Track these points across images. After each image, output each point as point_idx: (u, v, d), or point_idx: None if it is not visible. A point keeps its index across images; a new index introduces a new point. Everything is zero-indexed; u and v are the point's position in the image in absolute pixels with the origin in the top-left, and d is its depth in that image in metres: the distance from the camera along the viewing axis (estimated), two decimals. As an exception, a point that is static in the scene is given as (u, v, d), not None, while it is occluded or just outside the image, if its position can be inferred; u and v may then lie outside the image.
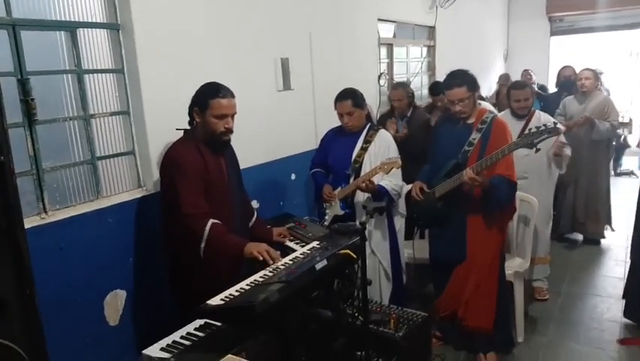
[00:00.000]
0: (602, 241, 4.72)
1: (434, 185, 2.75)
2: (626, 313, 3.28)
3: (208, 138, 2.24)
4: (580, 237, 4.80)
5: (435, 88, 4.67)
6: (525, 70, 6.59)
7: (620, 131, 7.63)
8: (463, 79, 2.64)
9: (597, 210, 4.60)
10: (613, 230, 4.77)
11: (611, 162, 7.40)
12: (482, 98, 5.01)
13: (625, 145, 7.59)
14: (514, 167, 2.67)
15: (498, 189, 2.57)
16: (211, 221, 2.12)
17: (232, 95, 2.24)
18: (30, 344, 1.43)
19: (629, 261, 3.49)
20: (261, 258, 2.03)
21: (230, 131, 2.26)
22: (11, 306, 1.39)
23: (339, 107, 2.94)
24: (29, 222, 1.98)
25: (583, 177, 4.49)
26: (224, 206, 2.28)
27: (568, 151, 3.55)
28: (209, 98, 2.19)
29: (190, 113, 2.27)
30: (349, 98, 2.91)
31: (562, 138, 3.50)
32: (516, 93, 3.53)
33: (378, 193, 2.83)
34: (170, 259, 2.37)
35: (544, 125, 2.44)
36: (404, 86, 4.12)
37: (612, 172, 7.29)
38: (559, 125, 2.56)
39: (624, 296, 3.35)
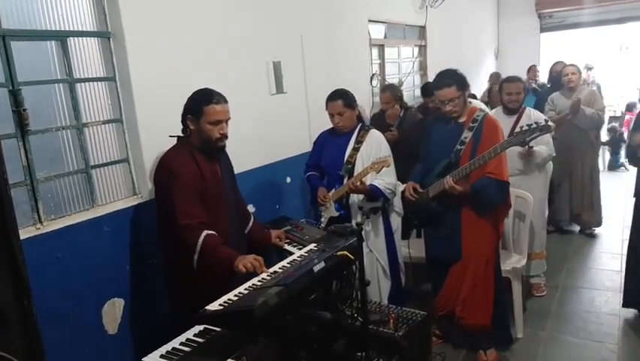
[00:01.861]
0: (598, 234, 4.76)
1: (427, 185, 2.76)
2: (625, 302, 3.29)
3: (203, 144, 2.24)
4: (577, 228, 4.85)
5: (426, 89, 4.68)
6: (533, 65, 6.61)
7: (616, 125, 7.73)
8: (452, 78, 2.65)
9: (592, 200, 4.66)
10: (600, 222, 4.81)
11: (608, 157, 7.49)
12: (474, 97, 5.05)
13: (621, 139, 7.64)
14: (506, 165, 2.67)
15: (482, 192, 2.58)
16: (205, 232, 2.11)
17: (225, 101, 2.24)
18: (29, 355, 1.42)
19: (625, 254, 3.51)
20: (245, 271, 2.01)
21: (225, 136, 2.25)
22: (9, 317, 1.38)
23: (330, 107, 2.96)
24: (25, 233, 1.97)
25: (577, 169, 4.57)
26: (220, 213, 2.28)
27: (540, 155, 3.43)
28: (203, 105, 2.18)
29: (183, 121, 2.26)
30: (340, 98, 2.92)
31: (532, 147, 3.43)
32: (508, 86, 3.56)
33: (372, 193, 2.84)
34: (166, 266, 2.36)
35: (536, 122, 2.45)
36: (392, 88, 4.11)
37: (605, 167, 7.38)
38: (550, 123, 2.57)
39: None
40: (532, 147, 2.51)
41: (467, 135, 2.66)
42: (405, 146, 3.54)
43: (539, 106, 4.63)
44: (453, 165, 2.63)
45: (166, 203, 2.17)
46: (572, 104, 4.29)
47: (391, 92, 4.00)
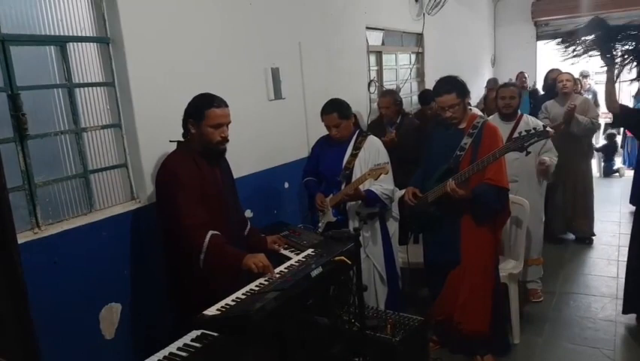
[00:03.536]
0: (594, 240, 4.77)
1: (427, 190, 2.77)
2: (625, 308, 3.28)
3: (204, 148, 2.25)
4: (572, 236, 4.85)
5: (424, 97, 4.71)
6: (520, 72, 6.66)
7: (614, 131, 7.79)
8: (452, 85, 2.67)
9: (586, 209, 4.67)
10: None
11: (602, 163, 7.54)
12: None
13: (615, 146, 7.70)
14: (505, 171, 2.68)
15: (482, 198, 2.59)
16: (210, 232, 2.12)
17: (226, 105, 2.26)
18: (26, 359, 1.42)
19: (621, 260, 3.53)
20: (256, 270, 2.03)
21: (226, 140, 2.27)
22: (6, 322, 1.38)
23: (325, 120, 2.97)
24: (22, 238, 1.96)
25: (570, 177, 4.57)
26: (220, 217, 2.28)
27: (552, 165, 3.57)
28: (204, 109, 2.20)
29: (184, 125, 2.28)
30: (335, 110, 2.93)
31: (542, 158, 3.50)
32: (502, 91, 3.62)
33: (369, 199, 2.85)
34: (168, 271, 2.36)
35: (534, 128, 2.47)
36: (392, 93, 4.15)
37: (601, 173, 7.42)
38: (548, 129, 2.59)
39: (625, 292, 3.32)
40: (529, 152, 2.52)
41: (467, 141, 2.68)
42: (403, 152, 3.56)
43: (535, 112, 4.66)
44: (452, 171, 2.64)
45: (169, 205, 2.18)
46: (565, 111, 4.31)
47: (391, 97, 4.03)
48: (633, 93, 8.56)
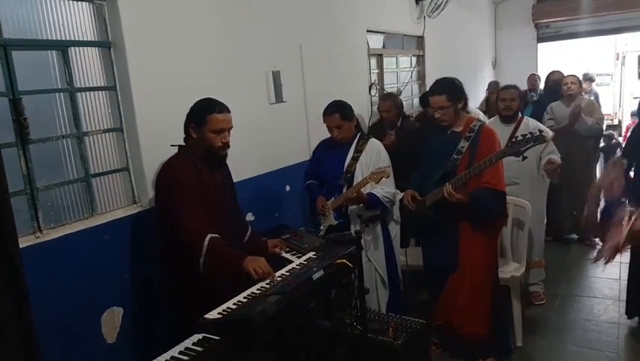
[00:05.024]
0: (596, 242, 4.74)
1: (425, 193, 2.77)
2: (629, 311, 3.28)
3: (205, 153, 2.25)
4: (575, 236, 4.83)
5: (425, 99, 4.71)
6: (532, 74, 6.63)
7: (614, 133, 7.78)
8: (444, 87, 2.66)
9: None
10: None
11: (603, 164, 7.52)
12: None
13: (615, 147, 7.68)
14: (503, 175, 2.68)
15: (480, 201, 2.59)
16: (210, 235, 2.12)
17: (228, 110, 2.26)
18: (27, 364, 1.42)
19: (623, 262, 3.51)
20: (256, 277, 2.03)
21: (227, 145, 2.27)
22: (7, 326, 1.38)
23: (327, 120, 2.97)
24: (24, 242, 1.97)
25: (576, 178, 4.54)
26: (220, 222, 2.28)
27: (558, 160, 3.53)
28: (206, 114, 2.20)
29: (186, 130, 2.28)
30: (337, 111, 2.93)
31: (551, 157, 3.41)
32: (502, 93, 3.63)
33: (370, 202, 2.84)
34: (168, 274, 2.36)
35: (530, 133, 2.46)
36: (392, 97, 4.15)
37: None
38: (545, 133, 2.57)
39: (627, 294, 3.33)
40: (526, 157, 2.51)
41: (464, 145, 2.67)
42: (403, 155, 3.55)
43: (537, 114, 4.65)
44: (449, 175, 2.64)
45: (169, 207, 2.18)
46: (572, 111, 4.30)
47: (392, 101, 4.03)
48: (635, 95, 8.57)
